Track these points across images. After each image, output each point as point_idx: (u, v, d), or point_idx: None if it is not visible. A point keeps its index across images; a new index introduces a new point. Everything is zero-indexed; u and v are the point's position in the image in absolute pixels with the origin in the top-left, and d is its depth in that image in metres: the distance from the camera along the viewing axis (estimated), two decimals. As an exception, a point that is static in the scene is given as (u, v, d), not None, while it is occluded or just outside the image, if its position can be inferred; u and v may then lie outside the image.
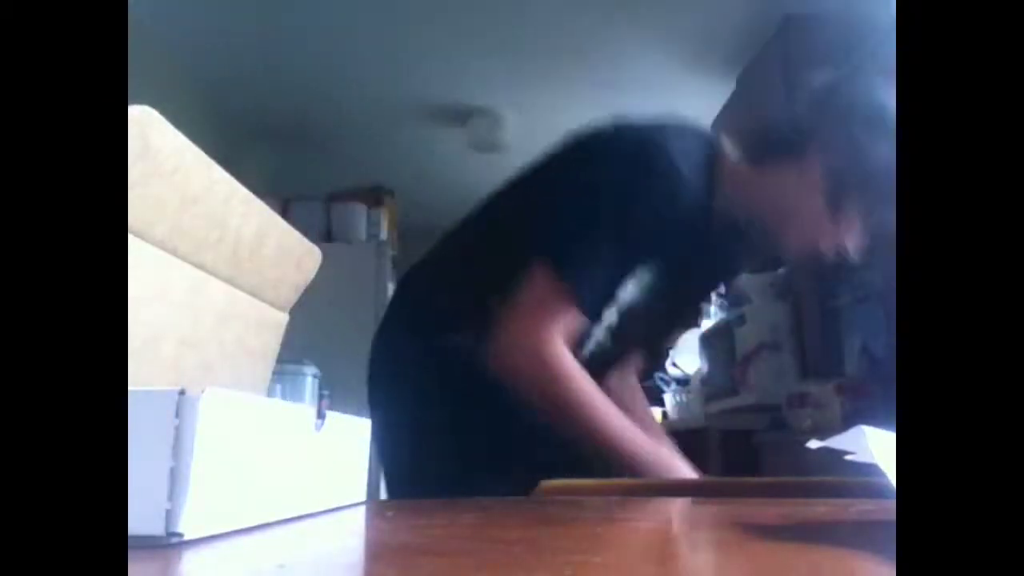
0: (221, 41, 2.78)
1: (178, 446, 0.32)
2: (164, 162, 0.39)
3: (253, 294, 0.51)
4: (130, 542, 0.29)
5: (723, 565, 0.33)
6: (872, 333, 2.18)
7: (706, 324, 3.69)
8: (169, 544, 0.31)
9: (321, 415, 0.46)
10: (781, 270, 2.85)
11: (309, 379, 2.59)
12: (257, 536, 0.38)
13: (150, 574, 0.28)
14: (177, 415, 0.32)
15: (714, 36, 3.11)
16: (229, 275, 0.47)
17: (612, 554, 0.34)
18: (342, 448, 0.51)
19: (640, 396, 1.19)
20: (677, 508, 0.60)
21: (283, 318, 0.57)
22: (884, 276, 1.97)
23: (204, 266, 0.45)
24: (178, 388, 0.32)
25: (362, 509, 0.53)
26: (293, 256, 0.54)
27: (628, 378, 1.15)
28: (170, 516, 0.31)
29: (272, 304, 0.54)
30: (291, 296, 0.56)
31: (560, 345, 0.87)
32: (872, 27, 2.09)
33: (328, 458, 0.48)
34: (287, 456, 0.43)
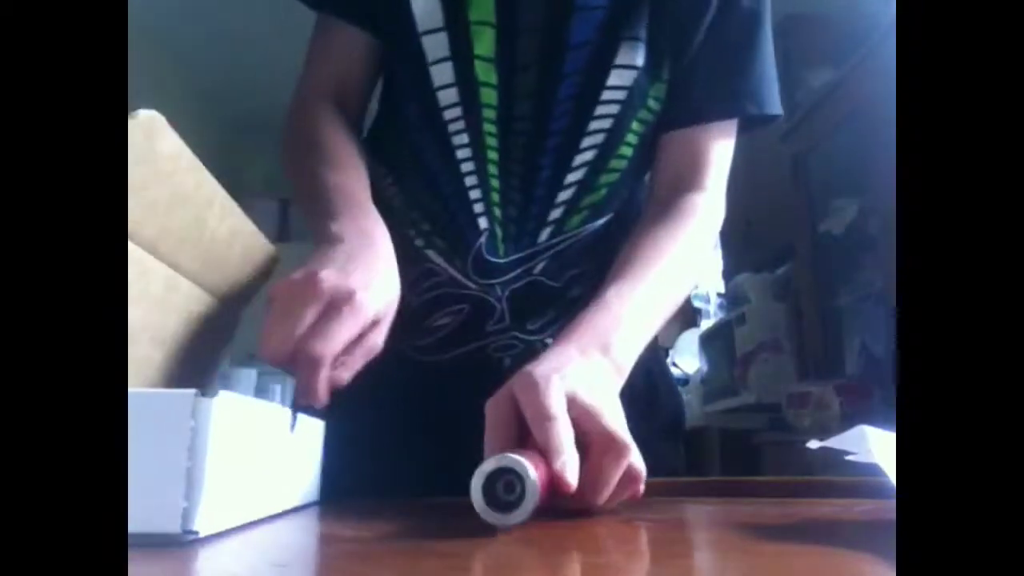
0: (221, 41, 2.78)
1: (193, 447, 0.32)
2: (164, 166, 0.39)
3: (214, 294, 0.51)
4: (146, 540, 0.31)
5: (723, 565, 0.33)
6: (872, 333, 2.18)
7: (706, 324, 3.69)
8: (185, 542, 0.32)
9: (294, 416, 0.47)
10: (781, 270, 2.86)
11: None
12: (256, 533, 0.38)
13: (167, 572, 0.28)
14: (193, 416, 0.33)
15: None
16: (197, 275, 0.48)
17: (612, 554, 0.34)
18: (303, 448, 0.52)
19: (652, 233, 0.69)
20: (677, 508, 0.60)
21: (238, 319, 0.57)
22: (884, 276, 1.97)
23: (179, 266, 0.45)
24: (193, 390, 0.33)
25: (363, 509, 0.53)
26: (256, 259, 0.55)
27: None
28: (186, 514, 0.32)
29: (229, 305, 0.54)
30: (248, 296, 0.57)
31: (319, 95, 0.69)
32: (872, 27, 2.09)
33: (297, 457, 0.50)
34: (277, 455, 0.45)
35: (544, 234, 0.69)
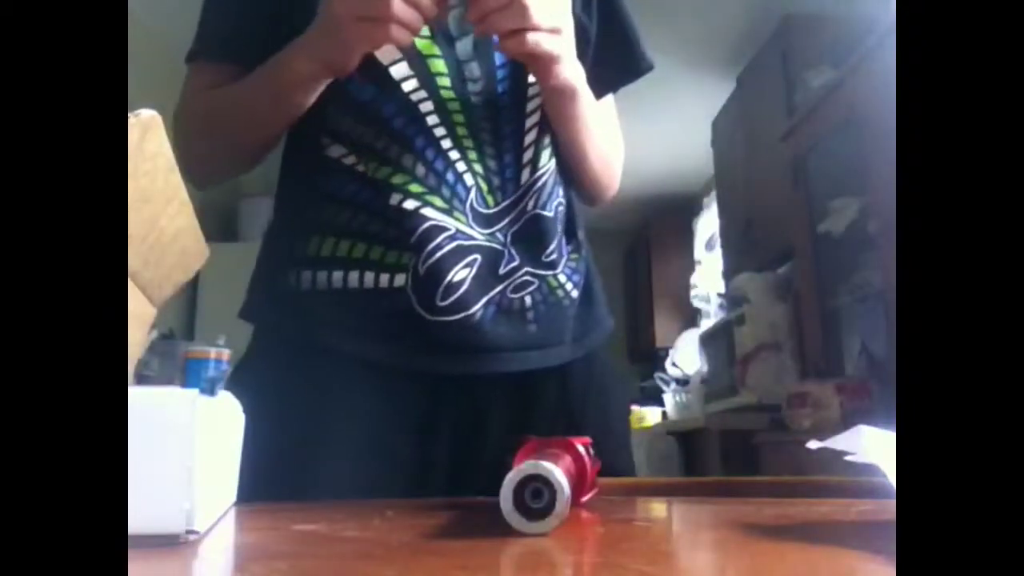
0: (221, 41, 2.78)
1: (195, 447, 0.33)
2: (145, 164, 0.39)
3: (143, 288, 0.51)
4: (146, 541, 0.31)
5: (723, 565, 0.33)
6: (872, 333, 2.19)
7: (706, 324, 3.70)
8: (186, 541, 0.32)
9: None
10: (781, 270, 2.86)
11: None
12: (251, 533, 0.38)
13: (168, 572, 0.28)
14: (195, 416, 0.33)
15: (714, 36, 3.11)
16: (134, 274, 0.48)
17: (612, 554, 0.34)
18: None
19: None
20: (677, 508, 0.60)
21: (154, 312, 0.57)
22: (884, 276, 1.97)
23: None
24: (195, 390, 0.33)
25: (362, 508, 0.53)
26: (189, 258, 0.54)
27: None
28: (188, 514, 0.32)
29: (152, 299, 0.54)
30: (169, 293, 0.57)
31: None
32: (872, 27, 2.09)
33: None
34: (233, 449, 0.46)
35: (525, 174, 0.77)
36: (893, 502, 0.26)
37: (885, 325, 2.03)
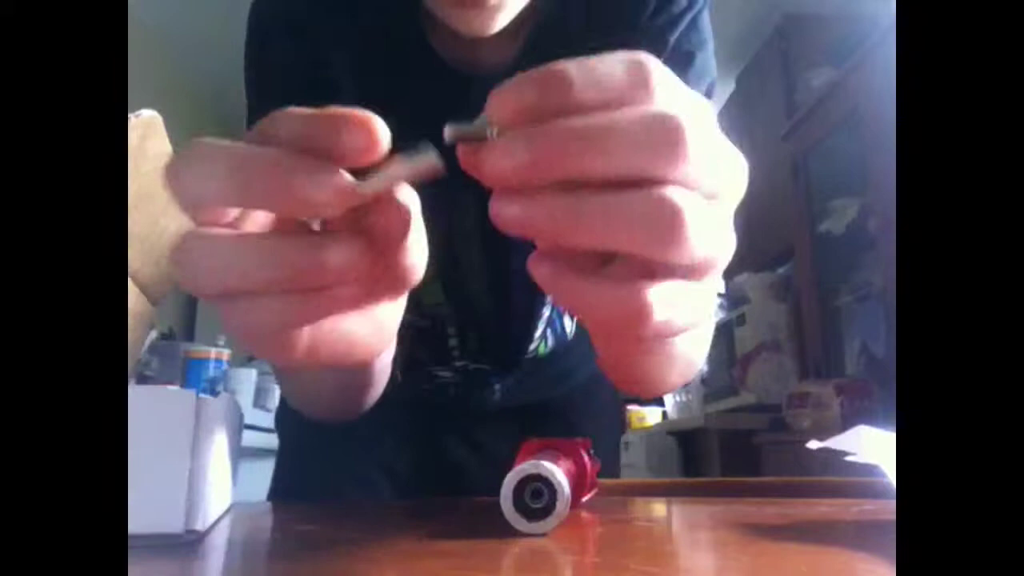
0: (221, 41, 2.78)
1: (195, 447, 0.33)
2: (147, 164, 0.39)
3: (143, 289, 0.51)
4: (146, 541, 0.31)
5: (723, 565, 0.33)
6: (872, 333, 2.19)
7: (706, 324, 3.68)
8: (187, 541, 0.32)
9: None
10: (781, 270, 2.86)
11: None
12: (248, 533, 0.38)
13: (169, 572, 0.28)
14: (195, 416, 0.33)
15: (714, 36, 3.11)
16: (136, 272, 0.48)
17: (612, 554, 0.34)
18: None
19: None
20: (677, 508, 0.60)
21: (153, 311, 0.57)
22: (884, 276, 1.97)
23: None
24: (192, 391, 0.33)
25: (362, 509, 0.53)
26: None
27: None
28: (189, 515, 0.32)
29: (151, 298, 0.54)
30: (166, 292, 0.57)
31: None
32: (872, 27, 2.09)
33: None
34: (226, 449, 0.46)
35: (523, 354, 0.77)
36: (893, 502, 0.26)
37: (885, 325, 2.02)
